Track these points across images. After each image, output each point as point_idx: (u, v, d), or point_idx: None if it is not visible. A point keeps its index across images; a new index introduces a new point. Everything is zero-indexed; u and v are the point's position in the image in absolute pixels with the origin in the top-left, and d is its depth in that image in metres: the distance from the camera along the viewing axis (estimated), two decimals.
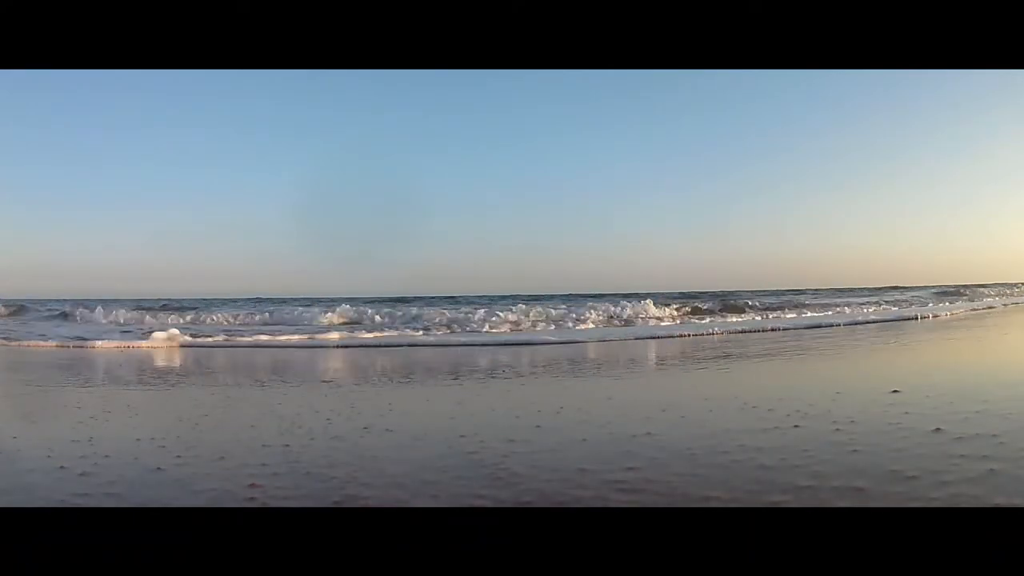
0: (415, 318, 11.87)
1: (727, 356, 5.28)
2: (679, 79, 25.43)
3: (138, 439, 2.40)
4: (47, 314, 15.94)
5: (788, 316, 12.39)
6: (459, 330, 9.80)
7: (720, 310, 13.97)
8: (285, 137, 27.58)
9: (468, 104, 27.32)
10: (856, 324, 8.93)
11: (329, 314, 12.07)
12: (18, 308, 17.52)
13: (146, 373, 4.92)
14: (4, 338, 8.69)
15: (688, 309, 13.54)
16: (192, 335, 8.44)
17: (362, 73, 22.86)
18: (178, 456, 2.14)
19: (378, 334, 8.86)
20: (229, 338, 8.53)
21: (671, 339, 7.29)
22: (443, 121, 27.81)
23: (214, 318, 13.09)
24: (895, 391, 2.96)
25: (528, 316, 11.51)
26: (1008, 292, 20.21)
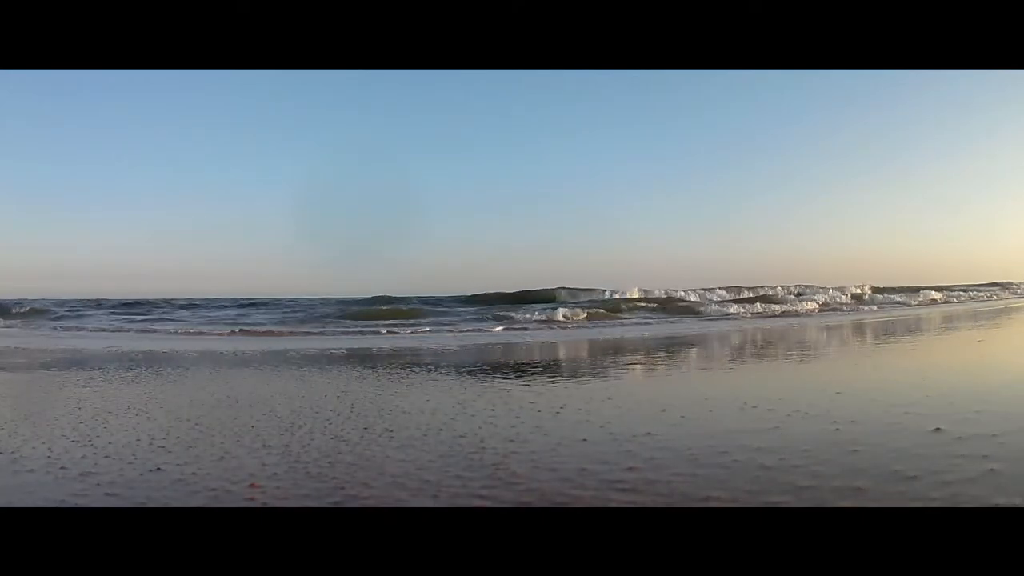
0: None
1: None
2: (679, 79, 25.41)
3: (138, 439, 2.40)
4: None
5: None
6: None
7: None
8: (286, 137, 27.55)
9: (468, 104, 27.30)
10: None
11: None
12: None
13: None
14: None
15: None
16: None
17: (362, 73, 22.85)
18: (179, 456, 2.14)
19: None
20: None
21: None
22: (443, 121, 27.78)
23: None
24: (895, 391, 2.96)
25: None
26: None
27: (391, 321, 11.28)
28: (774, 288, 16.43)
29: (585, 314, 11.93)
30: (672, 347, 6.28)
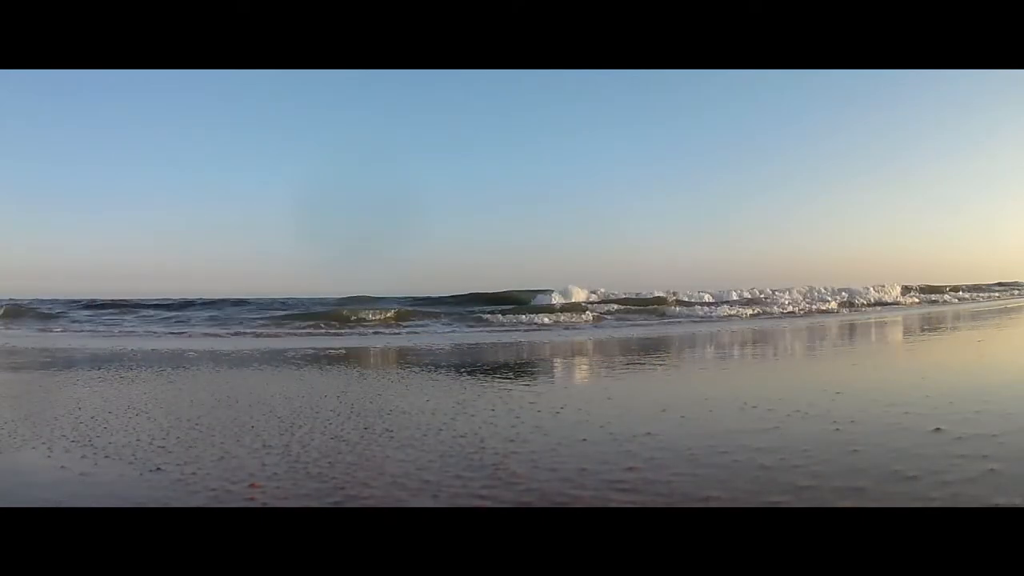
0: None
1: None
2: (679, 79, 25.38)
3: (138, 439, 2.40)
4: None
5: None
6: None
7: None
8: (285, 137, 27.46)
9: (468, 104, 27.26)
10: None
11: None
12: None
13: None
14: None
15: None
16: None
17: (362, 73, 22.80)
18: (178, 456, 2.14)
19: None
20: None
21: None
22: (443, 121, 27.72)
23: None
24: (895, 391, 2.96)
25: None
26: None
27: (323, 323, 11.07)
28: (786, 291, 15.90)
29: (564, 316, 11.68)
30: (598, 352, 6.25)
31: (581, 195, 30.72)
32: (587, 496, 1.67)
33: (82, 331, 10.42)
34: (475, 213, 30.07)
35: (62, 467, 2.04)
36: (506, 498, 1.67)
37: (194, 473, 1.94)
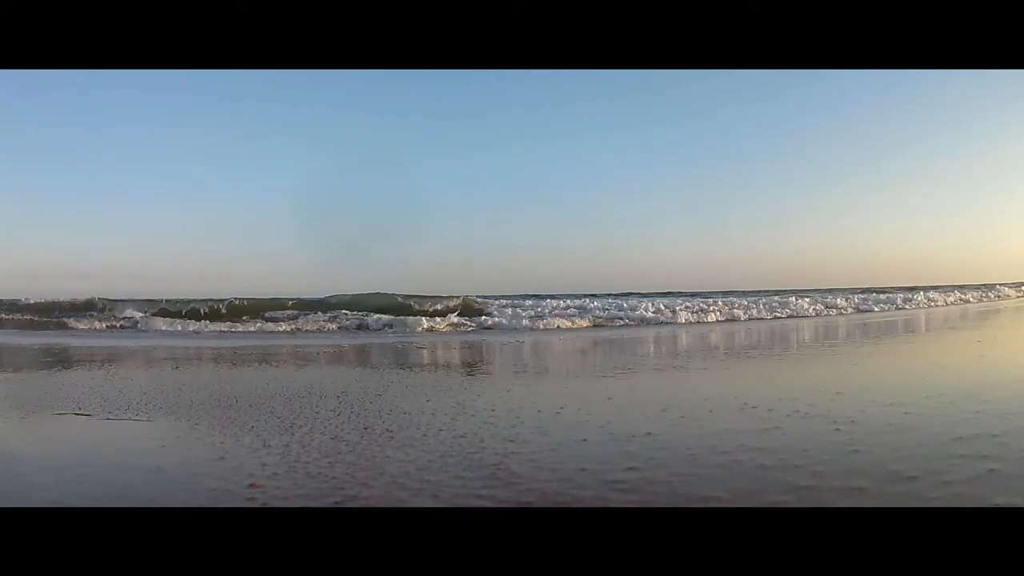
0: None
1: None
2: (679, 79, 25.44)
3: (137, 438, 2.40)
4: None
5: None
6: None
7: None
8: (286, 137, 27.48)
9: (468, 104, 27.27)
10: None
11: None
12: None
13: None
14: None
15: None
16: None
17: (362, 73, 22.82)
18: (178, 456, 2.14)
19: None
20: None
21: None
22: (443, 121, 27.75)
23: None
24: (895, 391, 2.96)
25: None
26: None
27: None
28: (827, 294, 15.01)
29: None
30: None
31: (581, 195, 30.77)
32: (587, 496, 1.67)
33: None
34: (475, 213, 30.13)
35: (62, 467, 2.04)
36: (506, 498, 1.67)
37: (194, 473, 1.94)
